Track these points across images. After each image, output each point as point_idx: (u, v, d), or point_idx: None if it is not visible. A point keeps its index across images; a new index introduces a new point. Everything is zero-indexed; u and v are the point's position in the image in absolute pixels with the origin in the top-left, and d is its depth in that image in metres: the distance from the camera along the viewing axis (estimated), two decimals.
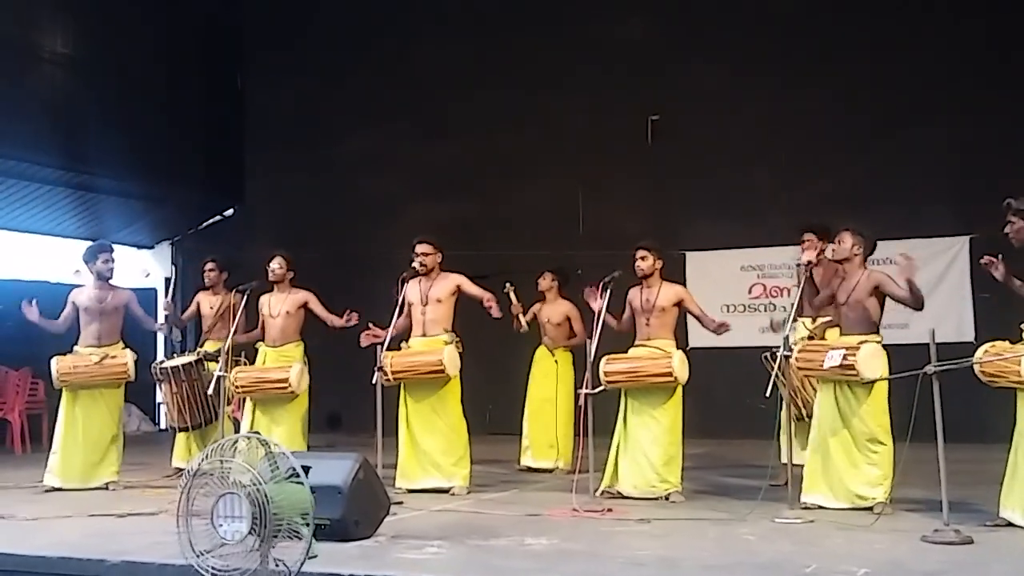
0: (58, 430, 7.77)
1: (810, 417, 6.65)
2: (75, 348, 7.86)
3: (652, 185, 12.19)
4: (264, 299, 8.03)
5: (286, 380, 7.67)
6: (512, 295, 8.78)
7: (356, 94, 13.28)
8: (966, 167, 10.83)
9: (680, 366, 6.87)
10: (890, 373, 6.11)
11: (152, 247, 14.42)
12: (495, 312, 7.38)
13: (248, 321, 8.19)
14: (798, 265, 6.99)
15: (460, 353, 7.40)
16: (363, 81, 13.26)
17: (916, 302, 6.16)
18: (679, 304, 7.17)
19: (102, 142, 11.51)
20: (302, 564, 4.10)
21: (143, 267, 14.26)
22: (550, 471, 8.65)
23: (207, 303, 8.92)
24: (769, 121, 11.63)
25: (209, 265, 8.99)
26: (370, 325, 7.44)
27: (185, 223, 14.31)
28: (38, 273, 12.66)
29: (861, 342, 6.19)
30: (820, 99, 11.43)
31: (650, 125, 12.17)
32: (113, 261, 7.95)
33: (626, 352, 7.15)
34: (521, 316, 8.87)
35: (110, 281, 7.92)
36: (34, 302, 7.79)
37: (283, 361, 7.88)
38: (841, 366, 6.12)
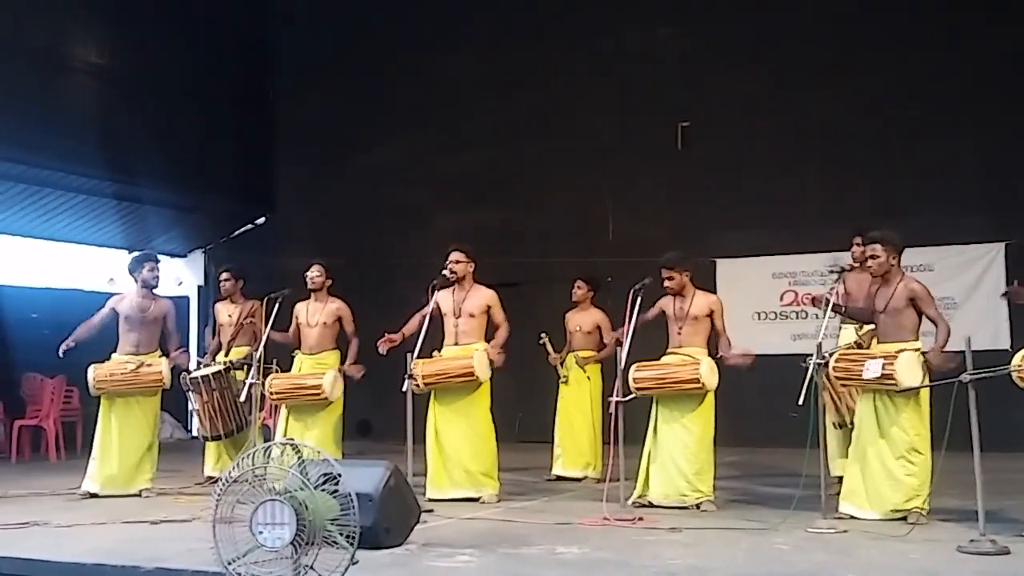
0: (96, 437, 7.86)
1: (852, 424, 6.58)
2: (113, 356, 7.92)
3: (682, 192, 12.15)
4: (300, 306, 8.09)
5: (319, 387, 7.73)
6: (548, 346, 8.81)
7: (386, 104, 13.35)
8: (1001, 174, 10.73)
9: (709, 373, 6.84)
10: (927, 381, 6.04)
11: (185, 255, 14.56)
12: (492, 357, 7.36)
13: (275, 327, 8.22)
14: (842, 269, 6.93)
15: (491, 360, 7.40)
16: (393, 91, 13.32)
17: (943, 332, 6.13)
18: (711, 315, 7.13)
19: (136, 152, 11.66)
20: (346, 569, 4.10)
21: (176, 276, 14.49)
22: (580, 480, 8.63)
23: (224, 312, 8.97)
24: (800, 128, 11.56)
25: (224, 275, 9.04)
26: (385, 334, 7.45)
27: (217, 232, 14.44)
28: (72, 281, 12.82)
29: (899, 350, 6.13)
30: (852, 106, 11.36)
31: (680, 132, 12.14)
32: (159, 270, 8.03)
33: (658, 360, 7.12)
34: (560, 367, 8.95)
35: (154, 291, 8.00)
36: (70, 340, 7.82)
37: (319, 368, 7.95)
38: (881, 376, 6.07)
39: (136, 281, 7.98)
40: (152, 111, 12.13)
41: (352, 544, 4.16)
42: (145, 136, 11.87)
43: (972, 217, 10.79)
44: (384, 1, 13.49)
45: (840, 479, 6.68)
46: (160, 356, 7.94)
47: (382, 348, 7.46)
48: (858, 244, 7.22)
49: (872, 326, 6.62)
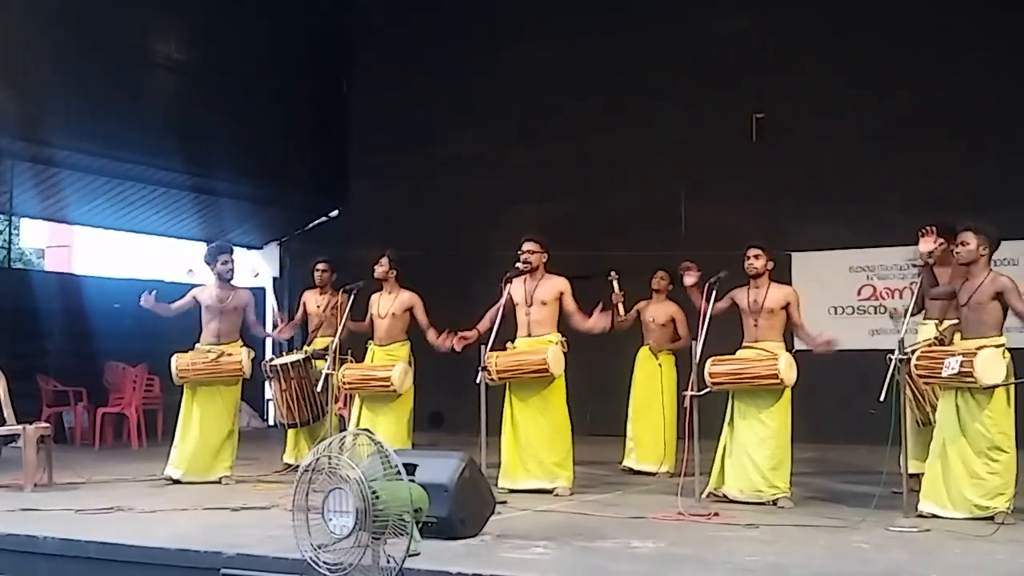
0: (178, 424, 8.05)
1: (933, 423, 6.44)
2: (196, 346, 8.11)
3: (757, 184, 11.97)
4: (374, 298, 8.20)
5: (388, 379, 7.81)
6: (615, 284, 8.50)
7: (458, 97, 13.39)
8: None
9: (787, 368, 6.73)
10: (1014, 377, 5.88)
11: (261, 248, 14.80)
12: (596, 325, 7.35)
13: (353, 318, 8.32)
14: (919, 264, 6.75)
15: (565, 353, 7.39)
16: (465, 84, 13.35)
17: None
18: (786, 307, 7.03)
19: (214, 146, 11.85)
20: (403, 561, 4.13)
21: (252, 267, 14.71)
22: (653, 474, 8.58)
23: (313, 302, 9.11)
24: (877, 119, 11.32)
25: (321, 266, 9.18)
26: (457, 333, 7.45)
27: (292, 224, 14.64)
28: (154, 272, 13.11)
29: (980, 347, 5.96)
30: (933, 94, 11.08)
31: (755, 123, 11.97)
32: (232, 262, 8.20)
33: (734, 354, 7.03)
34: (621, 306, 8.49)
35: (231, 282, 8.16)
36: (153, 293, 7.92)
37: (389, 360, 8.03)
38: (960, 373, 5.91)
39: (212, 273, 8.17)
40: (230, 105, 12.32)
41: (414, 534, 4.19)
42: (223, 130, 12.06)
43: None
44: None
45: (913, 476, 6.54)
46: (242, 346, 8.09)
47: (457, 346, 7.49)
48: (928, 230, 7.05)
49: (954, 321, 6.46)
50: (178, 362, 7.99)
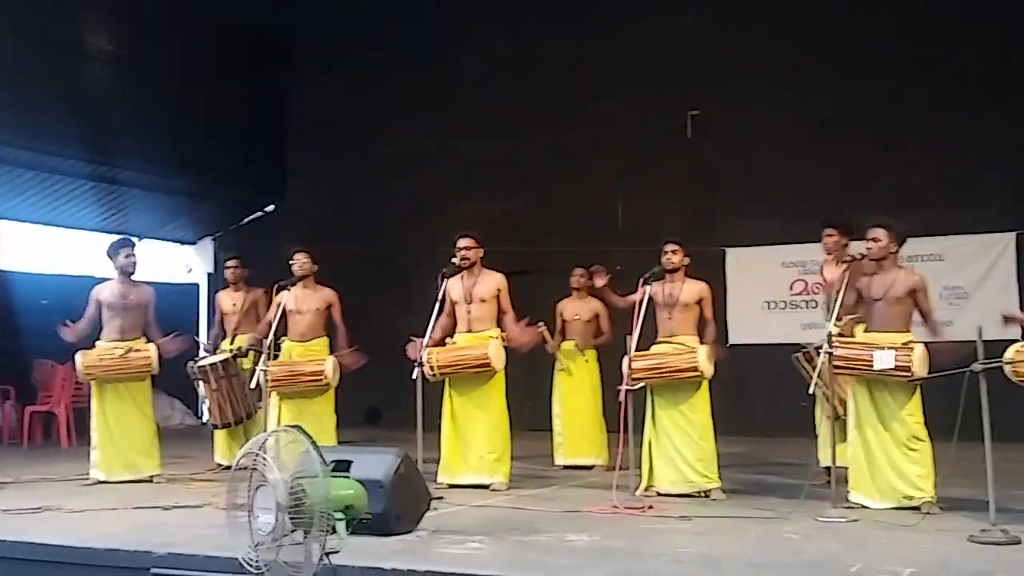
0: (93, 426, 7.88)
1: (840, 416, 6.58)
2: (97, 343, 7.91)
3: (692, 181, 12.10)
4: (287, 295, 8.02)
5: (321, 373, 7.75)
6: (546, 334, 8.78)
7: (398, 93, 13.31)
8: (1014, 163, 10.66)
9: (706, 361, 6.83)
10: (933, 371, 6.04)
11: (194, 243, 14.57)
12: (505, 342, 7.39)
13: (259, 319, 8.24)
14: (846, 260, 6.87)
15: (505, 347, 7.40)
16: (406, 81, 13.27)
17: (933, 330, 6.27)
18: (700, 302, 7.13)
19: (147, 139, 11.65)
20: (322, 557, 4.12)
21: (185, 263, 14.52)
22: (588, 468, 8.64)
23: (228, 300, 8.99)
24: (812, 117, 11.49)
25: (232, 262, 9.07)
26: (412, 339, 7.35)
27: (227, 219, 14.43)
28: (82, 268, 12.84)
29: (906, 342, 6.11)
30: (864, 95, 11.27)
31: (690, 120, 12.10)
32: (135, 256, 8.00)
33: (648, 349, 7.09)
34: (558, 355, 8.98)
35: (132, 276, 7.97)
36: (68, 324, 7.82)
37: (311, 355, 7.95)
38: (896, 368, 6.04)
39: (115, 267, 7.96)
40: (163, 98, 12.08)
41: (334, 531, 4.19)
42: (157, 124, 11.85)
43: (984, 207, 10.73)
44: None
45: (828, 469, 6.64)
46: (146, 342, 7.91)
47: (412, 353, 7.34)
48: (829, 236, 7.33)
49: (854, 315, 6.53)
50: (84, 359, 7.76)
